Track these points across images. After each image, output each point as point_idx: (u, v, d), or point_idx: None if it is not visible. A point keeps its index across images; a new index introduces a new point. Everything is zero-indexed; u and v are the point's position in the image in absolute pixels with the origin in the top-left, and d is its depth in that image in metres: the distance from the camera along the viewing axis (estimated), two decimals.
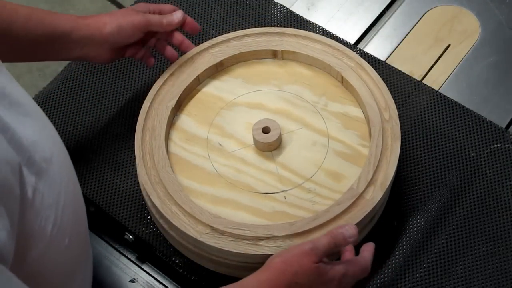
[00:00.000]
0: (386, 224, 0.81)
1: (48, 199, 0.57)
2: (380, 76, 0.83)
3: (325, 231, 0.71)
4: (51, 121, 0.89)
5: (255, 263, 0.73)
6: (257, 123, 0.79)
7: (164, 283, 0.80)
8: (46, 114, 0.91)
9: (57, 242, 0.59)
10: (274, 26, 0.95)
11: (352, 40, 0.97)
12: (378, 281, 0.78)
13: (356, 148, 0.80)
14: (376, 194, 0.74)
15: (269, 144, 0.79)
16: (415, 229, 0.80)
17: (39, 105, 0.91)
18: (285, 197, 0.76)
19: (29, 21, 0.76)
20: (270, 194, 0.77)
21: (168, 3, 1.00)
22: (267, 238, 0.71)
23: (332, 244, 0.67)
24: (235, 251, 0.71)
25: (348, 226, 0.68)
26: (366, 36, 0.98)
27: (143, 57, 0.86)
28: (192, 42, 0.96)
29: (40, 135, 0.59)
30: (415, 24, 0.98)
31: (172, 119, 0.82)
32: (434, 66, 0.94)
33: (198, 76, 0.84)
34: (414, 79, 0.92)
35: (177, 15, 0.84)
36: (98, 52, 0.81)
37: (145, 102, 0.81)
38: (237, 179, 0.78)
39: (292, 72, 0.86)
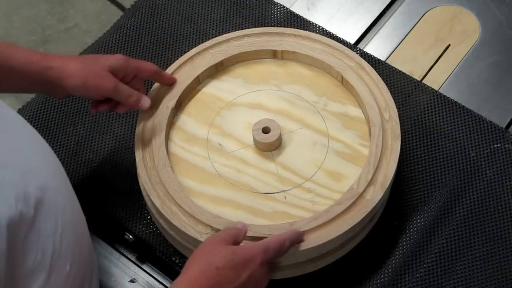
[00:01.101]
0: (386, 224, 0.81)
1: (44, 232, 0.56)
2: (380, 76, 0.83)
3: (325, 231, 0.71)
4: (51, 121, 0.90)
5: None
6: (257, 123, 0.79)
7: (164, 283, 0.80)
8: (46, 114, 0.91)
9: (58, 270, 0.58)
10: (274, 26, 0.95)
11: (352, 40, 0.97)
12: (378, 281, 0.78)
13: (356, 148, 0.80)
14: (376, 194, 0.74)
15: (269, 144, 0.79)
16: (415, 229, 0.80)
17: (39, 105, 0.92)
18: (285, 197, 0.76)
19: None
20: (270, 194, 0.77)
21: (169, 3, 1.00)
22: (267, 238, 0.71)
23: (241, 232, 0.67)
24: None
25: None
26: (366, 36, 0.98)
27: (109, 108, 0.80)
28: (192, 42, 0.96)
29: (31, 159, 0.58)
30: (415, 24, 0.98)
31: (172, 119, 0.82)
32: (434, 66, 0.94)
33: (198, 76, 0.84)
34: (414, 79, 0.92)
35: (145, 103, 0.77)
36: (56, 93, 0.76)
37: None
38: (237, 179, 0.78)
39: (292, 72, 0.86)
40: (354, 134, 0.81)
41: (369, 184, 0.74)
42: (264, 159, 0.79)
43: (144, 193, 0.78)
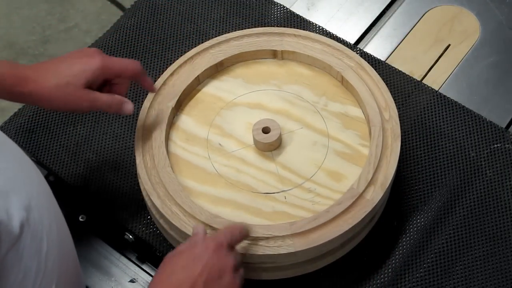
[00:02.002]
0: (386, 224, 0.81)
1: (28, 251, 0.55)
2: (380, 76, 0.83)
3: (325, 231, 0.71)
4: (51, 121, 0.90)
5: (255, 263, 0.73)
6: (257, 123, 0.79)
7: None
8: (46, 114, 0.91)
9: None
10: (274, 26, 0.95)
11: (352, 40, 0.97)
12: (378, 281, 0.78)
13: (356, 148, 0.80)
14: (376, 194, 0.74)
15: (269, 144, 0.79)
16: (415, 229, 0.80)
17: None
18: (285, 197, 0.76)
19: None
20: (270, 194, 0.77)
21: (169, 3, 1.00)
22: (267, 238, 0.71)
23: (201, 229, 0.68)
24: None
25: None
26: (366, 36, 0.98)
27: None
28: (192, 42, 0.96)
29: (14, 179, 0.56)
30: (415, 24, 0.98)
31: (172, 119, 0.82)
32: (434, 66, 0.94)
33: (198, 76, 0.84)
34: (414, 79, 0.92)
35: (127, 109, 0.75)
36: (33, 103, 0.74)
37: (145, 102, 0.81)
38: (237, 179, 0.78)
39: (292, 72, 0.86)
40: (354, 134, 0.81)
41: (369, 184, 0.74)
42: (264, 159, 0.79)
43: (144, 193, 0.78)
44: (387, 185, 0.75)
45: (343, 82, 0.84)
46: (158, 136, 0.79)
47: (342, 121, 0.82)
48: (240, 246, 0.71)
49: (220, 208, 0.76)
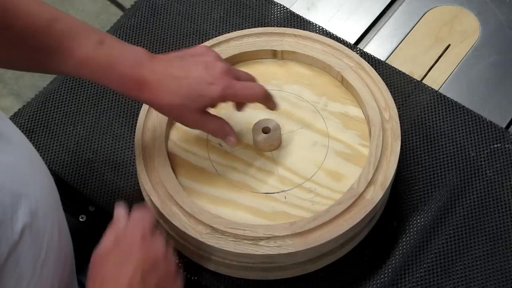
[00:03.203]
0: (386, 224, 0.81)
1: (26, 257, 0.53)
2: (380, 76, 0.83)
3: (325, 231, 0.71)
4: (52, 121, 0.90)
5: (255, 263, 0.73)
6: (257, 123, 0.79)
7: None
8: (46, 114, 0.91)
9: None
10: (274, 26, 0.95)
11: (352, 40, 0.97)
12: (378, 281, 0.77)
13: (356, 148, 0.80)
14: (376, 194, 0.74)
15: (269, 144, 0.79)
16: (415, 229, 0.80)
17: (39, 105, 0.92)
18: (285, 197, 0.76)
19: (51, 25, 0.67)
20: (270, 194, 0.77)
21: (169, 3, 1.00)
22: (268, 238, 0.71)
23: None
24: (235, 251, 0.71)
25: None
26: (366, 36, 0.98)
27: None
28: (192, 42, 0.96)
29: (28, 183, 0.55)
30: (415, 24, 0.98)
31: (172, 120, 0.82)
32: (434, 66, 0.94)
33: None
34: (414, 79, 0.92)
35: (231, 142, 0.74)
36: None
37: None
38: (237, 179, 0.78)
39: (292, 72, 0.86)
40: (354, 134, 0.81)
41: (369, 184, 0.75)
42: (264, 159, 0.79)
43: (144, 193, 0.78)
44: (387, 185, 0.75)
45: (343, 82, 0.84)
46: (158, 136, 0.79)
47: (342, 121, 0.82)
48: (241, 247, 0.71)
49: (220, 208, 0.76)
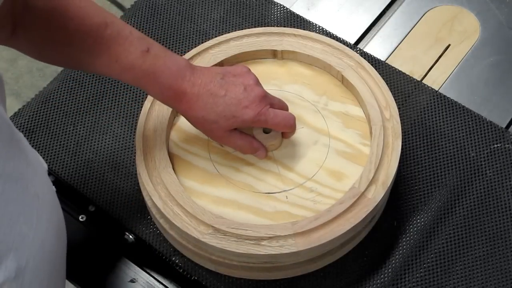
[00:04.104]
0: (386, 224, 0.81)
1: None
2: (380, 76, 0.83)
3: (327, 230, 0.71)
4: (51, 121, 0.90)
5: (257, 263, 0.73)
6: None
7: (164, 283, 0.80)
8: (46, 114, 0.91)
9: None
10: (274, 26, 0.95)
11: (352, 40, 0.97)
12: (378, 281, 0.78)
13: (357, 147, 0.80)
14: (378, 193, 0.74)
15: (270, 144, 0.79)
16: (415, 229, 0.80)
17: (39, 105, 0.92)
18: (286, 196, 0.76)
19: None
20: (271, 194, 0.77)
21: (169, 3, 1.00)
22: (270, 238, 0.71)
23: None
24: (237, 251, 0.71)
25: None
26: (366, 36, 0.98)
27: None
28: (192, 42, 0.96)
29: (24, 235, 0.52)
30: (415, 24, 0.98)
31: (173, 120, 0.82)
32: (434, 66, 0.94)
33: None
34: (414, 79, 0.92)
35: (261, 156, 0.78)
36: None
37: (145, 102, 0.81)
38: (238, 179, 0.78)
39: (292, 72, 0.86)
40: (355, 133, 0.81)
41: (371, 183, 0.75)
42: (265, 159, 0.79)
43: (144, 193, 0.78)
44: (389, 184, 0.75)
45: (343, 81, 0.84)
46: (159, 136, 0.79)
47: (343, 120, 0.82)
48: (243, 247, 0.71)
49: (222, 208, 0.76)
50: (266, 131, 0.79)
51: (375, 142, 0.77)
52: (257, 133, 0.78)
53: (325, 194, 0.76)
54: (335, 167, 0.78)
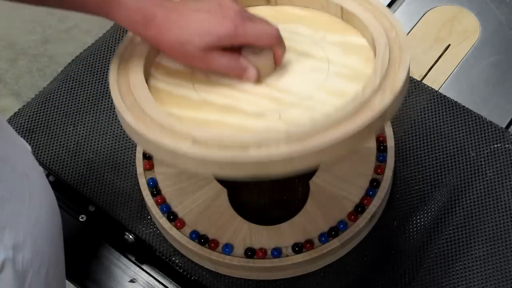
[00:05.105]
0: (386, 224, 0.81)
1: None
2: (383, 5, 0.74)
3: (325, 137, 0.61)
4: (51, 121, 0.90)
5: (245, 177, 0.62)
6: (245, 47, 0.68)
7: (164, 283, 0.80)
8: (46, 114, 0.91)
9: None
10: None
11: None
12: (378, 281, 0.77)
13: (359, 68, 0.70)
14: (384, 100, 0.63)
15: (262, 65, 0.68)
16: (415, 229, 0.80)
17: (39, 105, 0.92)
18: (280, 115, 0.66)
19: None
20: (263, 114, 0.66)
21: None
22: (259, 144, 0.60)
23: None
24: (220, 160, 0.60)
25: None
26: None
27: None
28: None
29: (17, 213, 0.52)
30: (415, 24, 0.98)
31: (154, 58, 0.73)
32: (434, 66, 0.94)
33: None
34: (414, 79, 0.92)
35: (250, 75, 0.68)
36: None
37: (128, 32, 0.73)
38: (225, 104, 0.68)
39: (288, 16, 0.77)
40: (357, 59, 0.72)
41: (377, 91, 0.64)
42: (258, 85, 0.69)
43: (119, 116, 0.68)
44: (398, 90, 0.64)
45: (343, 16, 0.75)
46: (136, 61, 0.70)
47: (344, 48, 0.73)
48: (227, 154, 0.60)
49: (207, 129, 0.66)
50: (256, 52, 0.68)
51: (380, 56, 0.67)
52: (245, 55, 0.68)
53: (324, 112, 0.65)
54: (336, 87, 0.68)
